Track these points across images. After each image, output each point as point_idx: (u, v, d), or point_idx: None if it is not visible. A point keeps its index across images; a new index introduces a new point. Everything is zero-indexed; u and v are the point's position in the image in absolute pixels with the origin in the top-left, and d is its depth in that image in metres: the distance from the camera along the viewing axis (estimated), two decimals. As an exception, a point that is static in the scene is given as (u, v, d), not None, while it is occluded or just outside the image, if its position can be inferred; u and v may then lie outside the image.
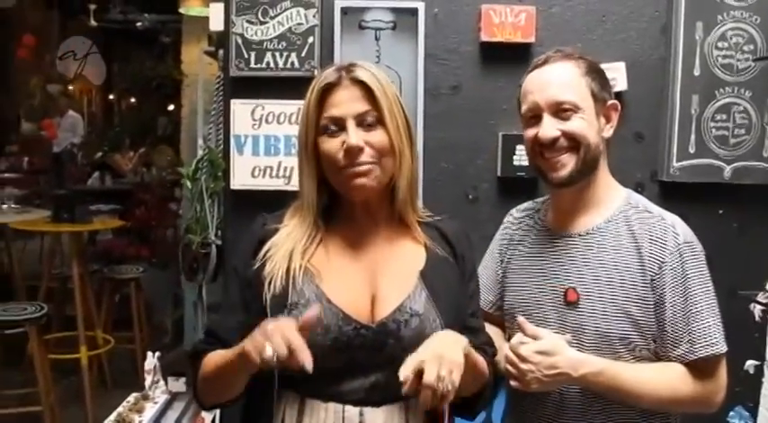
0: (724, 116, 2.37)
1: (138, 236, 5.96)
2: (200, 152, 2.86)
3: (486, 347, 1.42)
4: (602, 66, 1.55)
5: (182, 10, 4.88)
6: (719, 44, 2.35)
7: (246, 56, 2.33)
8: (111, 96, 11.90)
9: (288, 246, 1.33)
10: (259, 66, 2.33)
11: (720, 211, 2.41)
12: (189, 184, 2.48)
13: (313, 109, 1.30)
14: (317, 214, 1.35)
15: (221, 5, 2.39)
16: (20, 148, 8.34)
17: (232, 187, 2.37)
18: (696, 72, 2.36)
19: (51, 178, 6.51)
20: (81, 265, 4.15)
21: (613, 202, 1.50)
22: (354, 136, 1.26)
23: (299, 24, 2.32)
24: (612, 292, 1.42)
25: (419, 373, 1.12)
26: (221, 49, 2.48)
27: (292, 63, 2.33)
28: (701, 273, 1.42)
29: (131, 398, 2.51)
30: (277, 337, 1.09)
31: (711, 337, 1.39)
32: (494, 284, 1.65)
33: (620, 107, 1.50)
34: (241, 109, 2.35)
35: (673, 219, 1.46)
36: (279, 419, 1.32)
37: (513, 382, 1.40)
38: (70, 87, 10.26)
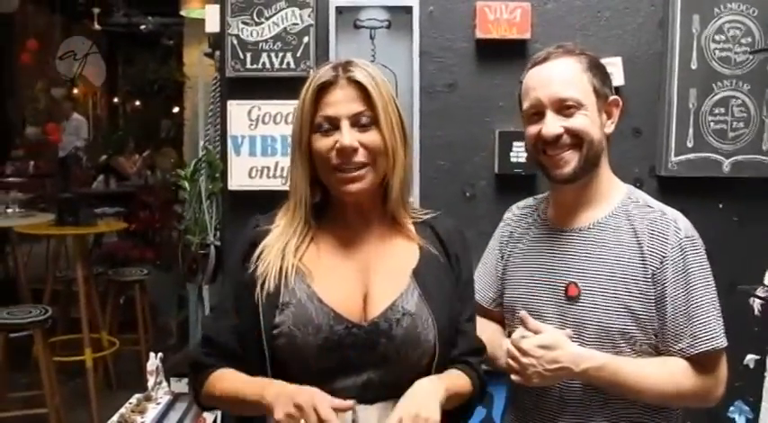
0: (722, 110, 2.36)
1: (142, 238, 5.98)
2: (201, 154, 2.87)
3: (473, 359, 1.42)
4: (599, 61, 1.55)
5: (183, 12, 4.88)
6: (717, 37, 2.34)
7: (242, 57, 2.34)
8: (115, 99, 11.95)
9: (280, 244, 1.33)
10: (255, 66, 2.34)
11: (720, 206, 2.40)
12: (187, 185, 2.48)
13: (308, 107, 1.29)
14: (308, 212, 1.34)
15: (217, 7, 2.40)
16: (25, 153, 8.38)
17: (230, 188, 2.38)
18: (693, 66, 2.35)
19: (57, 182, 6.55)
20: (85, 267, 4.16)
21: (614, 198, 1.49)
22: (348, 136, 1.26)
23: (294, 24, 2.33)
24: (613, 286, 1.41)
25: None
26: (218, 51, 2.48)
27: (288, 63, 2.34)
28: (702, 267, 1.41)
29: (134, 399, 2.52)
30: (313, 417, 1.12)
31: (712, 332, 1.39)
32: (494, 281, 1.64)
33: (621, 103, 1.50)
34: (237, 110, 2.36)
35: (674, 213, 1.46)
36: (273, 419, 1.32)
37: (514, 377, 1.40)
38: (75, 91, 10.30)
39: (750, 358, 2.40)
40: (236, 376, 1.31)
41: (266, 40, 2.34)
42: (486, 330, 1.59)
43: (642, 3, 2.37)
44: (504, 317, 1.63)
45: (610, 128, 1.48)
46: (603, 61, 1.55)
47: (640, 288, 1.40)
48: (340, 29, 2.33)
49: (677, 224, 1.42)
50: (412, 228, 1.40)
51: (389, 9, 2.34)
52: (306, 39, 2.33)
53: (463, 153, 2.38)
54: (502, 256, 1.63)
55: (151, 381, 2.53)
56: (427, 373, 1.32)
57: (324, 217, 1.38)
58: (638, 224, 1.44)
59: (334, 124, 1.28)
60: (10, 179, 6.82)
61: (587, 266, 1.45)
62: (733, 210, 2.40)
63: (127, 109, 11.82)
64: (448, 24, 2.37)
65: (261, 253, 1.33)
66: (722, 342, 1.40)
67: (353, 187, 1.29)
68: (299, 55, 2.33)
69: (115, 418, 2.38)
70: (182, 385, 2.53)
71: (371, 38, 2.35)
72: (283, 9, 2.32)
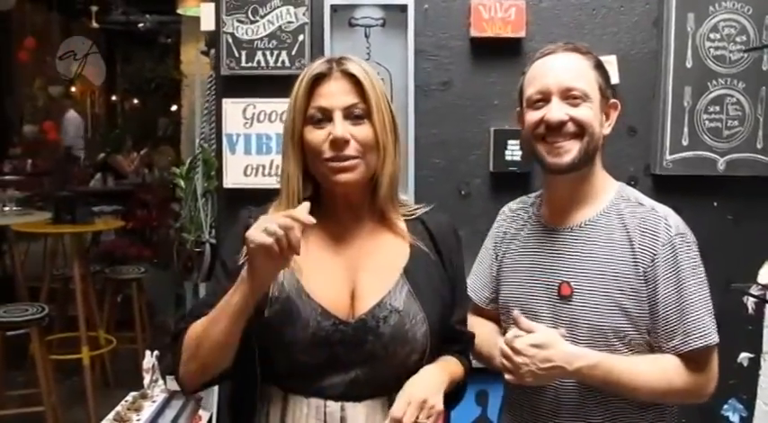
0: (717, 108, 2.36)
1: (140, 236, 5.98)
2: (196, 152, 2.87)
3: (462, 349, 1.46)
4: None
5: (180, 10, 4.89)
6: (711, 35, 2.34)
7: (237, 55, 2.34)
8: (113, 98, 11.94)
9: None
10: (250, 64, 2.34)
11: (714, 204, 2.40)
12: (183, 183, 2.49)
13: (301, 98, 1.30)
14: (299, 204, 1.34)
15: (212, 5, 2.39)
16: (23, 151, 8.38)
17: (225, 186, 2.38)
18: (688, 64, 2.35)
19: (53, 180, 6.55)
20: (82, 265, 4.17)
21: (606, 196, 1.50)
22: (341, 128, 1.27)
23: (289, 23, 2.33)
24: (605, 285, 1.42)
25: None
26: (213, 49, 2.48)
27: (283, 61, 2.33)
28: (693, 264, 1.42)
29: (130, 397, 2.51)
30: (271, 225, 1.11)
31: (705, 329, 1.39)
32: (489, 280, 1.65)
33: (619, 107, 1.51)
34: (233, 108, 2.36)
35: (665, 210, 1.46)
36: (263, 416, 1.33)
37: (507, 376, 1.40)
38: (72, 89, 10.29)
39: (744, 356, 2.40)
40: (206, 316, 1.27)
41: (261, 39, 2.33)
42: (483, 329, 1.59)
43: (637, 1, 2.36)
44: (498, 315, 1.63)
45: (607, 129, 1.49)
46: (599, 59, 1.56)
47: (632, 286, 1.41)
48: (335, 27, 2.33)
49: (668, 221, 1.42)
50: (403, 225, 1.40)
51: (384, 7, 2.33)
52: (301, 37, 2.33)
53: (458, 151, 2.38)
54: (496, 256, 1.63)
55: (147, 379, 2.52)
56: (416, 371, 1.32)
57: (314, 212, 1.38)
58: (629, 222, 1.44)
59: (327, 116, 1.28)
60: (7, 177, 6.81)
61: (579, 265, 1.45)
62: (728, 208, 2.40)
63: (125, 107, 11.81)
64: (443, 23, 2.36)
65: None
66: (714, 339, 1.40)
67: (344, 177, 1.29)
68: (293, 53, 2.33)
69: (111, 416, 2.37)
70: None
71: (366, 36, 2.35)
72: (278, 7, 2.32)
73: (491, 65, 2.36)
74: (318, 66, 1.31)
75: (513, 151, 2.32)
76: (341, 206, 1.37)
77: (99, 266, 5.08)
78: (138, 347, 4.40)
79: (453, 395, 1.40)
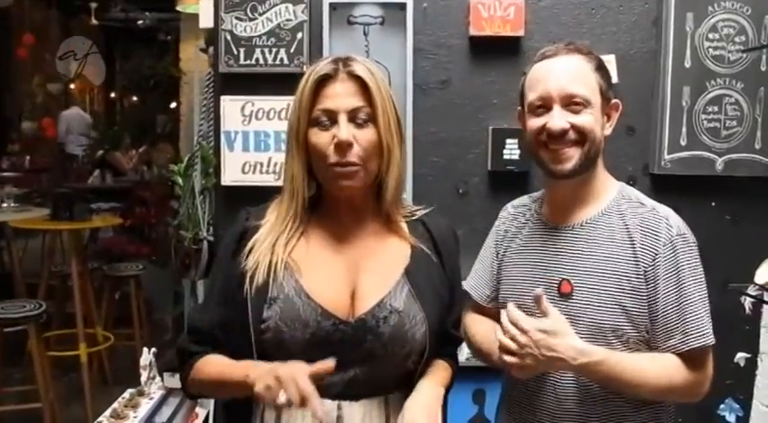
0: (715, 108, 2.36)
1: (138, 233, 5.97)
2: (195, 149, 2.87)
3: (453, 352, 1.49)
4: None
5: (179, 7, 4.87)
6: (710, 35, 2.34)
7: (236, 52, 2.34)
8: (112, 95, 11.92)
9: (271, 239, 1.33)
10: (248, 62, 2.34)
11: (713, 204, 2.41)
12: (180, 180, 2.48)
13: (307, 99, 1.28)
14: (301, 204, 1.34)
15: (210, 2, 2.39)
16: (21, 147, 8.37)
17: (223, 183, 2.38)
18: (687, 64, 2.35)
19: (51, 176, 6.55)
20: (80, 262, 4.16)
21: (607, 196, 1.50)
22: (345, 131, 1.26)
23: (288, 20, 2.33)
24: (606, 283, 1.42)
25: None
26: (212, 46, 2.48)
27: (281, 59, 2.33)
28: (693, 265, 1.42)
29: (127, 393, 2.52)
30: (292, 387, 1.10)
31: (703, 329, 1.39)
32: (490, 278, 1.64)
33: (620, 107, 1.50)
34: (231, 105, 2.36)
35: (666, 211, 1.46)
36: (259, 413, 1.33)
37: (505, 357, 1.37)
38: (71, 86, 10.28)
39: (741, 356, 2.40)
40: (222, 360, 1.32)
41: (260, 36, 2.33)
42: (482, 327, 1.59)
43: (636, 0, 2.36)
44: (498, 313, 1.63)
45: (608, 130, 1.49)
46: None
47: (632, 285, 1.41)
48: (333, 25, 2.33)
49: (669, 221, 1.42)
50: (404, 225, 1.40)
51: (383, 5, 2.34)
52: (299, 35, 2.33)
53: (456, 150, 2.38)
54: (497, 254, 1.63)
55: (144, 376, 2.53)
56: (414, 371, 1.32)
57: (316, 211, 1.38)
58: (630, 221, 1.44)
59: (331, 118, 1.27)
60: (5, 174, 6.81)
61: (580, 264, 1.45)
62: (726, 208, 2.41)
63: (124, 104, 11.78)
64: (442, 21, 2.36)
65: (251, 247, 1.33)
66: (712, 339, 1.40)
67: (347, 184, 1.29)
68: (292, 51, 2.33)
69: (108, 412, 2.39)
70: (175, 380, 2.53)
71: (365, 34, 2.35)
72: (277, 5, 2.32)
73: (490, 64, 2.36)
74: (324, 66, 1.29)
75: (512, 150, 2.33)
76: (343, 207, 1.36)
77: (97, 263, 5.06)
78: (135, 345, 4.38)
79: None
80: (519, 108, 1.56)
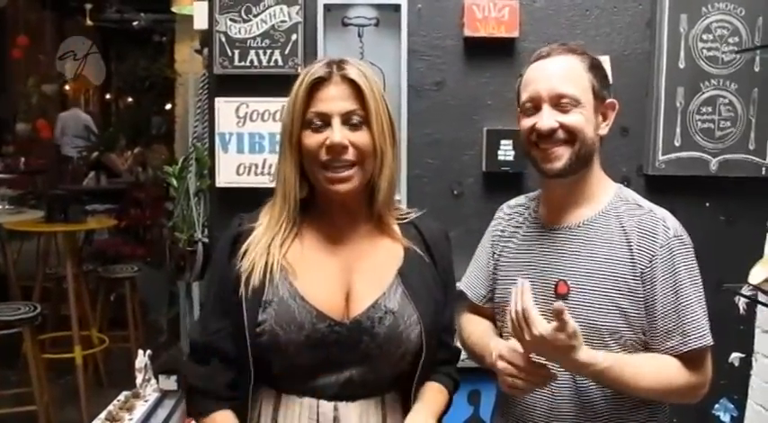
0: (709, 109, 2.37)
1: (133, 235, 5.96)
2: (189, 151, 2.86)
3: (452, 371, 1.47)
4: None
5: (174, 9, 4.87)
6: (704, 36, 2.35)
7: (230, 54, 2.34)
8: (107, 96, 11.89)
9: (265, 241, 1.33)
10: (243, 64, 2.34)
11: (707, 204, 2.41)
12: (175, 182, 2.48)
13: (300, 102, 1.29)
14: (294, 205, 1.34)
15: (205, 4, 2.39)
16: (16, 149, 8.34)
17: (217, 185, 2.38)
18: (681, 65, 2.36)
19: (47, 177, 6.52)
20: (75, 264, 4.15)
21: (604, 197, 1.50)
22: (338, 134, 1.26)
23: (283, 22, 2.33)
24: (602, 284, 1.42)
25: None
26: (206, 48, 2.47)
27: (276, 61, 2.33)
28: (690, 266, 1.42)
29: (122, 396, 2.51)
30: None
31: (702, 330, 1.40)
32: (485, 278, 1.64)
33: (617, 106, 1.49)
34: (225, 107, 2.36)
35: (663, 213, 1.46)
36: (255, 414, 1.33)
37: (503, 378, 1.38)
38: (66, 87, 10.26)
39: (735, 356, 2.41)
40: None
41: (254, 38, 2.33)
42: (477, 328, 1.59)
43: (630, 2, 2.37)
44: (494, 314, 1.63)
45: (604, 129, 1.48)
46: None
47: (629, 286, 1.41)
48: (328, 26, 2.33)
49: (666, 223, 1.43)
50: (397, 228, 1.40)
51: (378, 7, 2.34)
52: (294, 36, 2.33)
53: (451, 151, 2.39)
54: (493, 254, 1.63)
55: (139, 378, 2.53)
56: (411, 373, 1.33)
57: (309, 213, 1.38)
58: (627, 223, 1.44)
59: (325, 121, 1.27)
60: (0, 175, 6.78)
61: (577, 265, 1.45)
62: (720, 209, 2.42)
63: (119, 105, 11.76)
64: (436, 22, 2.37)
65: (245, 250, 1.33)
66: (710, 340, 1.41)
67: (341, 187, 1.29)
68: (287, 52, 2.33)
69: (103, 415, 2.38)
70: (170, 382, 2.53)
71: (360, 35, 2.35)
72: (271, 6, 2.32)
73: (484, 65, 2.36)
74: (318, 69, 1.29)
75: (506, 151, 2.33)
76: (337, 209, 1.36)
77: (92, 265, 5.05)
78: (130, 347, 4.37)
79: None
80: (518, 109, 1.56)
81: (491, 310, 1.63)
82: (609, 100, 1.48)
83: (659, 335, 1.41)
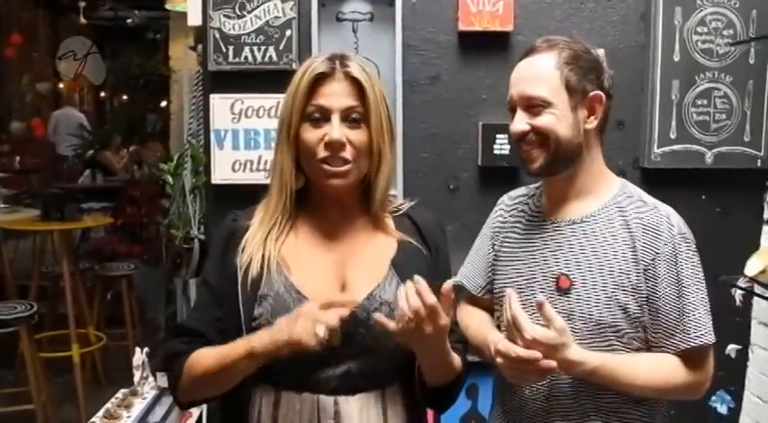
0: (705, 101, 2.37)
1: (129, 233, 5.94)
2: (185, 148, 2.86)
3: (458, 345, 1.42)
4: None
5: (168, 6, 4.85)
6: (699, 29, 2.35)
7: (225, 50, 2.33)
8: (102, 94, 11.85)
9: (261, 234, 1.33)
10: (237, 60, 2.34)
11: (703, 197, 2.42)
12: (171, 179, 2.48)
13: (301, 95, 1.28)
14: (290, 197, 1.34)
15: (199, 0, 2.38)
16: (10, 148, 8.31)
17: (213, 182, 2.37)
18: (676, 58, 2.36)
19: (44, 176, 6.50)
20: (71, 263, 4.14)
21: (607, 191, 1.49)
22: (338, 131, 1.26)
23: (277, 17, 2.32)
24: (605, 280, 1.41)
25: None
26: (201, 44, 2.47)
27: (270, 57, 2.33)
28: (693, 264, 1.42)
29: (120, 394, 2.51)
30: (323, 318, 1.15)
31: (703, 328, 1.39)
32: (484, 268, 1.64)
33: (604, 98, 1.45)
34: (220, 103, 2.35)
35: (667, 209, 1.45)
36: (255, 412, 1.33)
37: (502, 369, 1.38)
38: (61, 85, 10.22)
39: (732, 348, 2.42)
40: (215, 348, 1.28)
41: (248, 34, 2.33)
42: (474, 319, 1.59)
43: (625, -5, 2.37)
44: (492, 304, 1.62)
45: (591, 124, 1.45)
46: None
47: (632, 282, 1.40)
48: (322, 22, 2.33)
49: (670, 220, 1.42)
50: (391, 221, 1.40)
51: (372, 1, 2.34)
52: (288, 32, 2.32)
53: (446, 145, 2.39)
54: (493, 245, 1.62)
55: (137, 376, 2.53)
56: (411, 365, 1.32)
57: (304, 206, 1.38)
58: (631, 218, 1.43)
59: (325, 115, 1.28)
60: (-6, 175, 6.75)
61: (579, 259, 1.44)
62: (716, 201, 2.42)
63: (114, 103, 11.73)
64: (431, 17, 2.36)
65: (241, 245, 1.33)
66: (712, 338, 1.40)
67: (336, 182, 1.29)
68: (281, 48, 2.33)
69: (101, 413, 2.38)
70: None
71: (354, 31, 2.35)
72: (265, 2, 2.32)
73: (479, 59, 2.36)
74: (320, 64, 1.29)
75: (502, 145, 2.33)
76: (331, 204, 1.36)
77: (88, 263, 5.03)
78: (128, 344, 4.35)
79: (447, 393, 1.38)
80: None
81: (489, 302, 1.63)
82: (593, 93, 1.43)
83: (660, 332, 1.40)
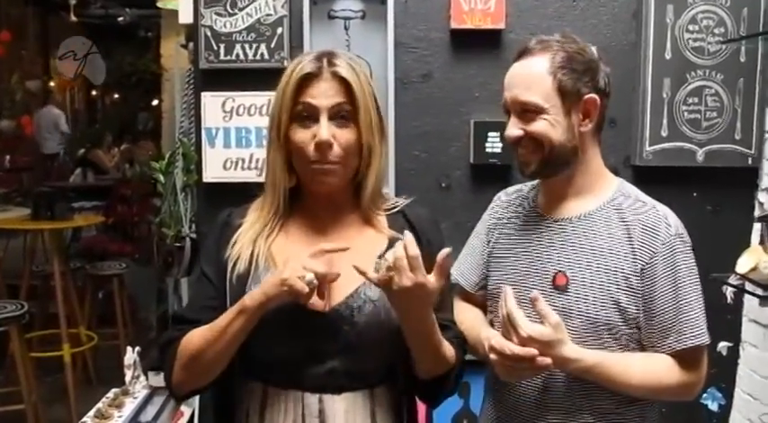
0: (696, 99, 2.38)
1: (121, 232, 5.93)
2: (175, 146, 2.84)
3: (455, 340, 1.40)
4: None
5: (159, 4, 4.83)
6: (690, 27, 2.36)
7: (216, 48, 2.32)
8: (93, 92, 11.81)
9: (253, 232, 1.33)
10: (229, 58, 2.33)
11: (694, 195, 2.42)
12: (162, 177, 2.46)
13: (289, 96, 1.28)
14: (283, 195, 1.34)
15: (190, -2, 2.37)
16: (1, 146, 8.26)
17: (204, 180, 2.37)
18: (667, 55, 2.36)
19: (35, 175, 6.46)
20: (62, 262, 4.12)
21: (605, 191, 1.49)
22: (326, 131, 1.25)
23: (268, 15, 2.31)
24: (601, 278, 1.41)
25: None
26: (192, 42, 2.46)
27: (262, 54, 2.32)
28: (690, 265, 1.42)
29: (111, 393, 2.50)
30: (313, 266, 1.19)
31: (698, 328, 1.39)
32: (479, 265, 1.63)
33: (599, 102, 1.43)
34: (211, 101, 2.35)
35: (665, 210, 1.45)
36: (244, 409, 1.33)
37: (496, 366, 1.37)
38: (51, 83, 10.17)
39: (723, 346, 2.42)
40: (206, 326, 1.27)
41: (240, 32, 2.32)
42: (467, 316, 1.58)
43: (616, -7, 2.37)
44: (486, 301, 1.62)
45: (586, 126, 1.44)
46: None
47: (628, 282, 1.40)
48: (314, 19, 2.32)
49: (668, 220, 1.42)
50: (383, 219, 1.39)
51: (364, -1, 2.33)
52: (280, 29, 2.32)
53: (438, 143, 2.39)
54: (488, 241, 1.62)
55: (128, 375, 2.52)
56: (394, 364, 1.32)
57: (296, 204, 1.38)
58: (628, 218, 1.43)
59: (313, 114, 1.27)
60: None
61: (576, 257, 1.44)
62: (707, 199, 2.43)
63: (105, 102, 11.69)
64: (422, 15, 2.36)
65: (234, 241, 1.33)
66: (707, 339, 1.40)
67: (326, 181, 1.29)
68: (273, 46, 2.32)
69: (92, 412, 2.37)
70: (160, 379, 2.51)
71: (346, 28, 2.34)
72: (257, 0, 2.30)
73: (471, 57, 2.36)
74: (308, 64, 1.28)
75: (494, 143, 2.33)
76: (322, 202, 1.36)
77: (79, 263, 5.01)
78: (119, 344, 4.35)
79: (439, 385, 1.37)
80: None
81: (482, 298, 1.63)
82: (588, 96, 1.42)
83: (656, 332, 1.40)
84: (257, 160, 2.33)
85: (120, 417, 2.35)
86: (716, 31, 2.35)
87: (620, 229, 1.43)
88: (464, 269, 1.65)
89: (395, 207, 1.43)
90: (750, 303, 2.37)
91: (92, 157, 7.62)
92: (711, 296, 2.25)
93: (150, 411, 2.45)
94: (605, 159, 2.28)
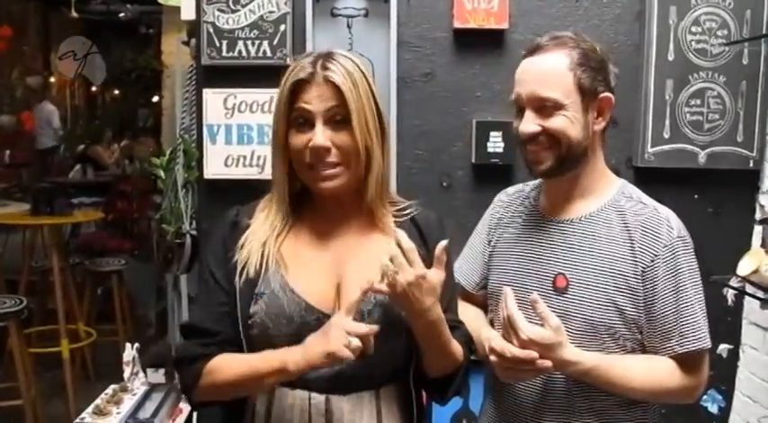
0: (698, 101, 2.38)
1: (120, 228, 5.92)
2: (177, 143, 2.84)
3: (462, 338, 1.41)
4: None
5: (160, 0, 4.82)
6: (693, 29, 2.35)
7: (218, 44, 2.32)
8: (93, 88, 11.79)
9: (262, 234, 1.33)
10: (231, 54, 2.32)
11: (695, 196, 2.42)
12: (163, 174, 2.46)
13: (284, 102, 1.28)
14: (288, 203, 1.35)
15: (193, -6, 2.37)
16: (0, 142, 8.26)
17: (205, 177, 2.36)
18: (670, 57, 2.36)
19: (34, 170, 6.46)
20: (61, 258, 4.12)
21: (607, 192, 1.48)
22: (321, 136, 1.25)
23: (271, 12, 2.31)
24: (602, 280, 1.40)
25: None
26: (194, 39, 2.45)
27: (264, 51, 2.32)
28: (692, 268, 1.41)
29: (110, 389, 2.50)
30: (352, 331, 1.16)
31: (700, 332, 1.39)
32: (479, 265, 1.63)
33: (613, 101, 1.43)
34: (213, 98, 2.34)
35: (667, 212, 1.44)
36: (250, 408, 1.33)
37: (496, 368, 1.38)
38: (51, 79, 10.16)
39: (723, 348, 2.43)
40: (240, 359, 1.28)
41: (242, 28, 2.32)
42: (467, 315, 1.58)
43: (620, -6, 2.37)
44: (486, 301, 1.62)
45: (599, 125, 1.44)
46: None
47: (629, 284, 1.39)
48: (317, 17, 2.32)
49: (670, 223, 1.41)
50: (391, 223, 1.39)
51: (367, -3, 2.33)
52: (282, 27, 2.31)
53: (440, 143, 2.38)
54: (489, 241, 1.61)
55: (127, 371, 2.51)
56: (406, 366, 1.32)
57: (304, 207, 1.38)
58: (630, 220, 1.42)
59: (309, 120, 1.27)
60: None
61: (577, 258, 1.43)
62: (708, 201, 2.42)
63: (105, 98, 11.67)
64: (425, 14, 2.36)
65: (243, 243, 1.33)
66: (708, 343, 1.40)
67: (326, 185, 1.29)
68: (275, 43, 2.31)
69: (90, 409, 2.36)
70: (158, 376, 2.51)
71: (348, 26, 2.34)
72: (260, -4, 2.30)
73: (474, 56, 2.36)
74: (300, 70, 1.28)
75: (496, 143, 2.32)
76: (330, 204, 1.36)
77: (79, 258, 5.01)
78: (118, 340, 4.34)
79: (446, 384, 1.37)
80: None
81: (483, 298, 1.62)
82: (603, 95, 1.42)
83: (657, 335, 1.40)
84: (258, 157, 2.33)
85: (118, 413, 2.35)
86: (719, 33, 2.35)
87: (621, 231, 1.42)
88: (465, 269, 1.65)
89: (406, 212, 1.41)
90: (750, 306, 2.37)
91: (91, 153, 7.62)
92: (712, 298, 2.27)
93: (149, 408, 2.44)
94: (607, 160, 2.28)
